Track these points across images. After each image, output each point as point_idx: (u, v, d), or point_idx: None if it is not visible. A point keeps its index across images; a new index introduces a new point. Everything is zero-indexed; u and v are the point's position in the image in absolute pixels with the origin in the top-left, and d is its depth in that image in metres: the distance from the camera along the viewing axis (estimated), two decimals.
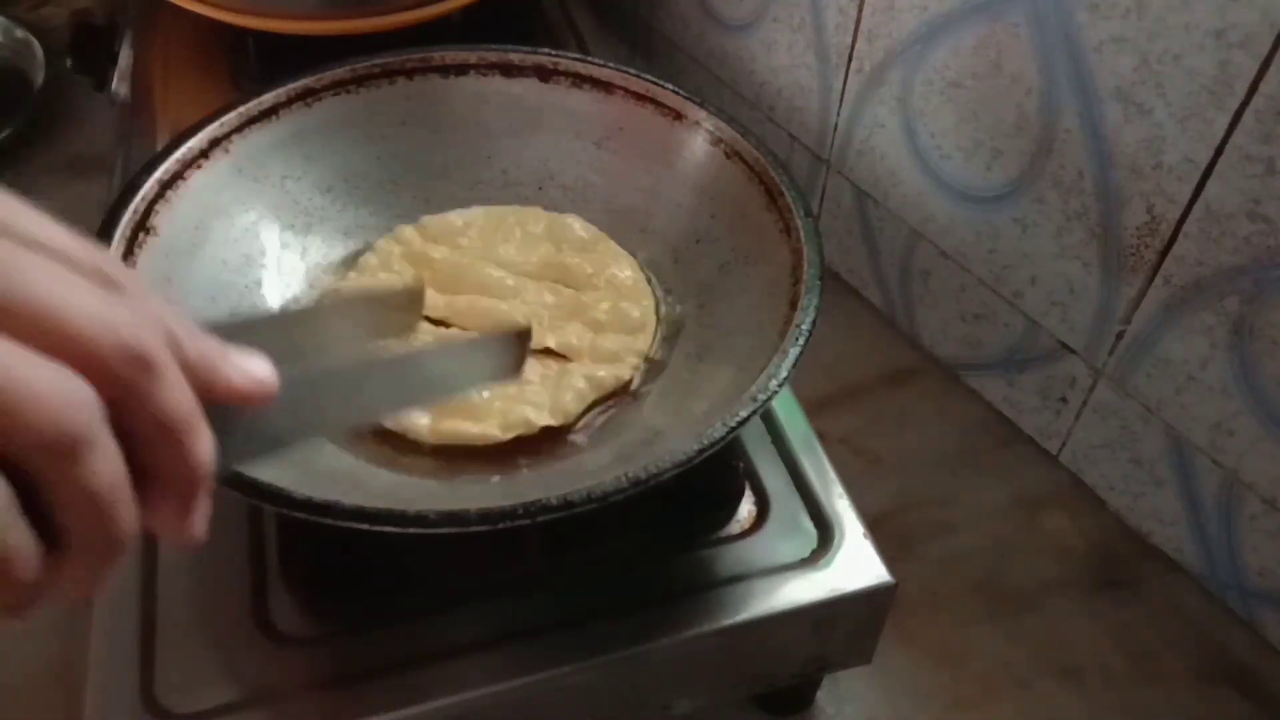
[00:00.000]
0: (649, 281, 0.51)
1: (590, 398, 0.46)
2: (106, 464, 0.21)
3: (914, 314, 0.67)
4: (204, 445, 0.23)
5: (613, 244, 0.51)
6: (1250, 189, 0.46)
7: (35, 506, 0.21)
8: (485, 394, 0.45)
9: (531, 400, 0.45)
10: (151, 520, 0.23)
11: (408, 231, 0.51)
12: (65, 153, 0.77)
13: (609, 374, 0.46)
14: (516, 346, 0.38)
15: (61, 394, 0.20)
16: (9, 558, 0.20)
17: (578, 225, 0.52)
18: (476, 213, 0.53)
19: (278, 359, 0.27)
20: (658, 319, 0.49)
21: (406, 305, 0.40)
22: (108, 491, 0.21)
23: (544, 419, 0.44)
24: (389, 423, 0.44)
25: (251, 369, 0.25)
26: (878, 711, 0.51)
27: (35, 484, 0.21)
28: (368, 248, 0.51)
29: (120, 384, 0.21)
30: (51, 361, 0.20)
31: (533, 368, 0.46)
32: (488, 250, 0.51)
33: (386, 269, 0.50)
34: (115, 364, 0.21)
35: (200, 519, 0.24)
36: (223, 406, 0.25)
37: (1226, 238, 0.47)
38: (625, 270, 0.50)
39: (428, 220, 0.52)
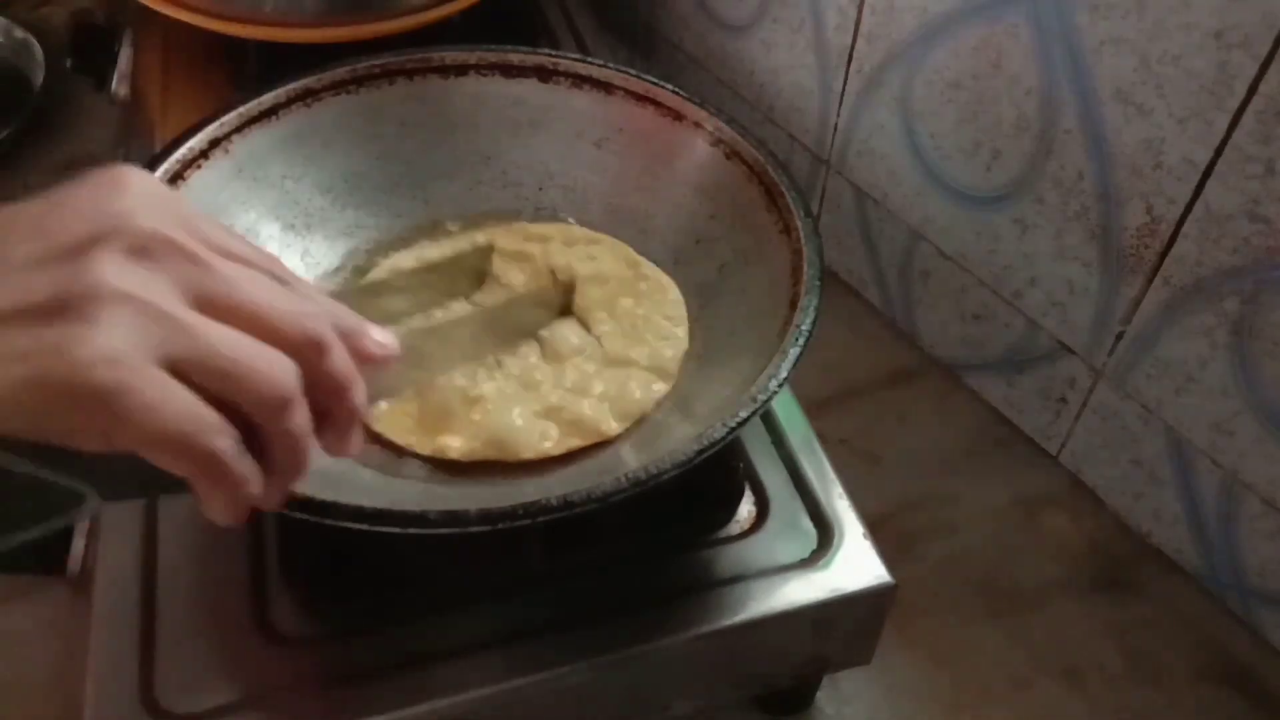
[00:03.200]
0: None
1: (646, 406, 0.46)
2: (302, 415, 0.30)
3: (914, 314, 0.67)
4: (360, 393, 0.32)
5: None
6: (1250, 190, 0.46)
7: (251, 444, 0.29)
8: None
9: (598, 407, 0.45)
10: (322, 441, 0.31)
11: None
12: (65, 153, 0.77)
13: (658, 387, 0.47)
14: (559, 294, 0.48)
15: (277, 368, 0.29)
16: (242, 481, 0.28)
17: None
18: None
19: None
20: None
21: (477, 264, 0.49)
22: (302, 434, 0.30)
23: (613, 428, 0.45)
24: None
25: (381, 338, 0.33)
26: (878, 711, 0.51)
27: (253, 428, 0.29)
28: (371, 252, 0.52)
29: (307, 359, 0.30)
30: (266, 345, 0.29)
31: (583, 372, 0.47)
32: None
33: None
34: (304, 346, 0.30)
35: (357, 440, 0.33)
36: None
37: (1226, 238, 0.47)
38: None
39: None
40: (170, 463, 0.27)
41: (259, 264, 0.31)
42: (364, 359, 0.32)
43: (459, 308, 0.49)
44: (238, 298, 0.29)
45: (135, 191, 0.29)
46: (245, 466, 0.29)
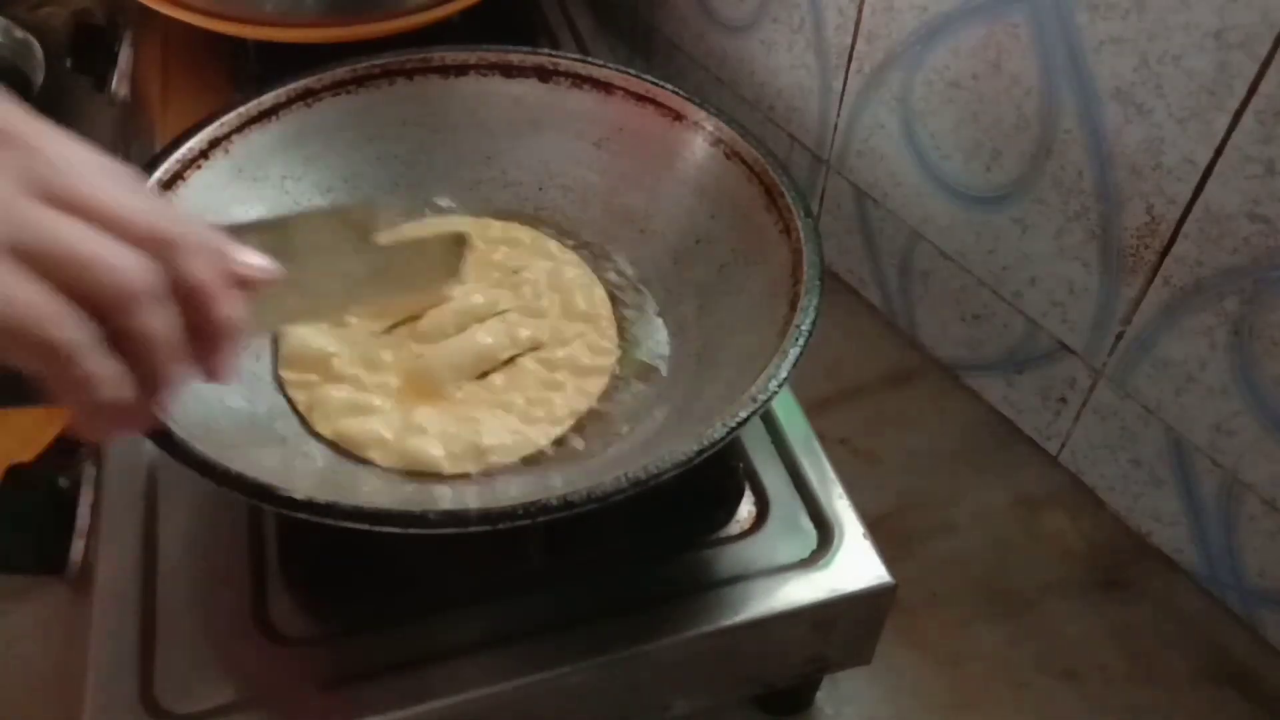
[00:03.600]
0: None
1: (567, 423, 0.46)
2: (158, 317, 0.29)
3: (914, 314, 0.67)
4: (229, 306, 0.31)
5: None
6: (1250, 190, 0.46)
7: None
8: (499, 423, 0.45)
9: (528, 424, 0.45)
10: (194, 360, 0.31)
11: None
12: None
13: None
14: (456, 250, 0.46)
15: (123, 263, 0.28)
16: (104, 379, 0.28)
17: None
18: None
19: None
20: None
21: (451, 250, 0.46)
22: (157, 337, 0.29)
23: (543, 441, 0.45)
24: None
25: (254, 260, 0.33)
26: (878, 712, 0.51)
27: (111, 331, 0.28)
28: None
29: (162, 259, 0.29)
30: (115, 239, 0.28)
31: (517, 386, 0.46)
32: None
33: None
34: (158, 245, 0.28)
35: (228, 364, 0.32)
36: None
37: (1226, 238, 0.47)
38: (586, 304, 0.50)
39: None
40: (15, 354, 0.26)
41: (117, 169, 0.30)
42: (240, 281, 0.32)
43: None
44: (85, 191, 0.28)
45: None
46: (99, 365, 0.28)
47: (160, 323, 0.29)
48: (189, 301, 0.30)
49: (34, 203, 0.27)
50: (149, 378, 0.29)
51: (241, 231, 0.35)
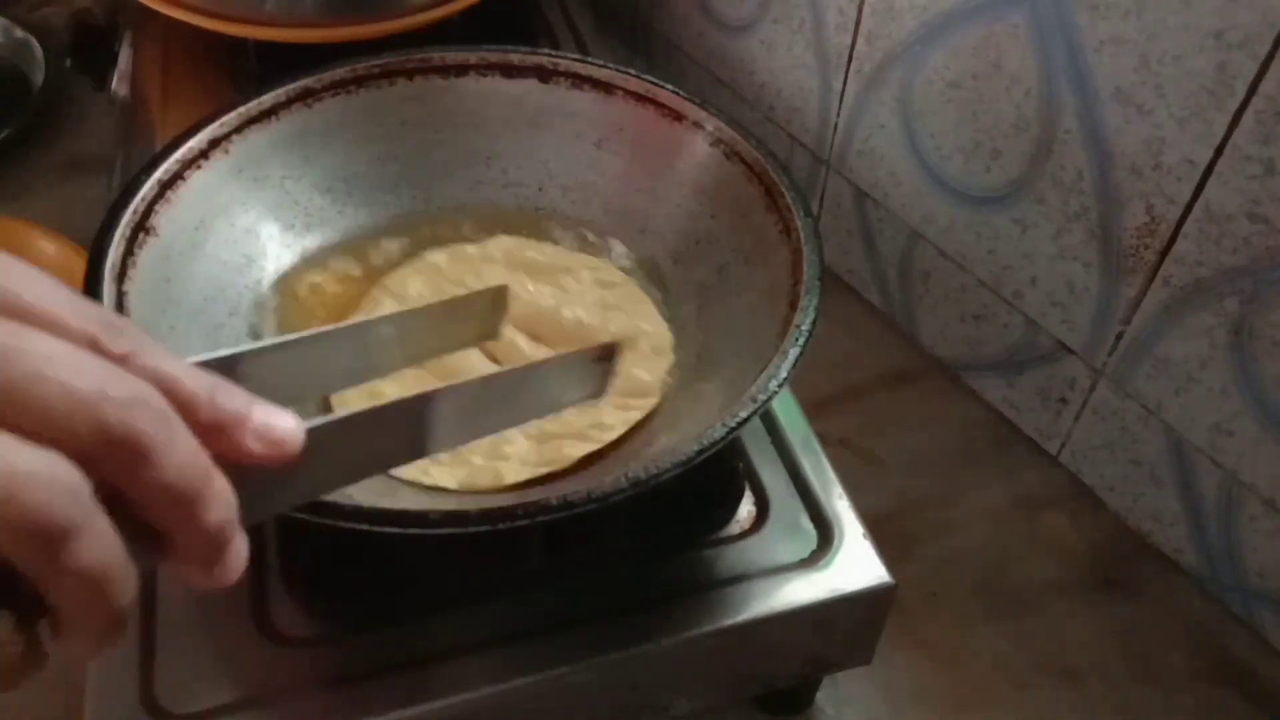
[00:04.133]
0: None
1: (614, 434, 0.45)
2: (95, 548, 0.21)
3: (914, 315, 0.67)
4: (218, 510, 0.23)
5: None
6: (1250, 190, 0.46)
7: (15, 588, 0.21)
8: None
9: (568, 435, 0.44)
10: (180, 574, 0.24)
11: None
12: (65, 153, 0.77)
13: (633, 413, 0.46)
14: (604, 365, 0.36)
15: (42, 484, 0.20)
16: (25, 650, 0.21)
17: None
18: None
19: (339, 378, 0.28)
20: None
21: (490, 308, 0.39)
22: (98, 572, 0.21)
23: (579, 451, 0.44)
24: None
25: (274, 426, 0.24)
26: (878, 712, 0.51)
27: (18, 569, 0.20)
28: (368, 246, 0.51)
29: (107, 466, 0.21)
30: (37, 447, 0.20)
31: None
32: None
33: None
34: (97, 447, 0.21)
35: (229, 568, 0.24)
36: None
37: (1226, 238, 0.47)
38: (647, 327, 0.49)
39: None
40: None
41: (68, 322, 0.22)
42: (239, 460, 0.24)
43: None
44: (9, 370, 0.20)
45: None
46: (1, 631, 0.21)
47: (97, 555, 0.21)
48: (162, 508, 0.22)
49: None
50: (83, 622, 0.22)
51: (294, 347, 0.28)
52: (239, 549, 0.24)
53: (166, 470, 0.22)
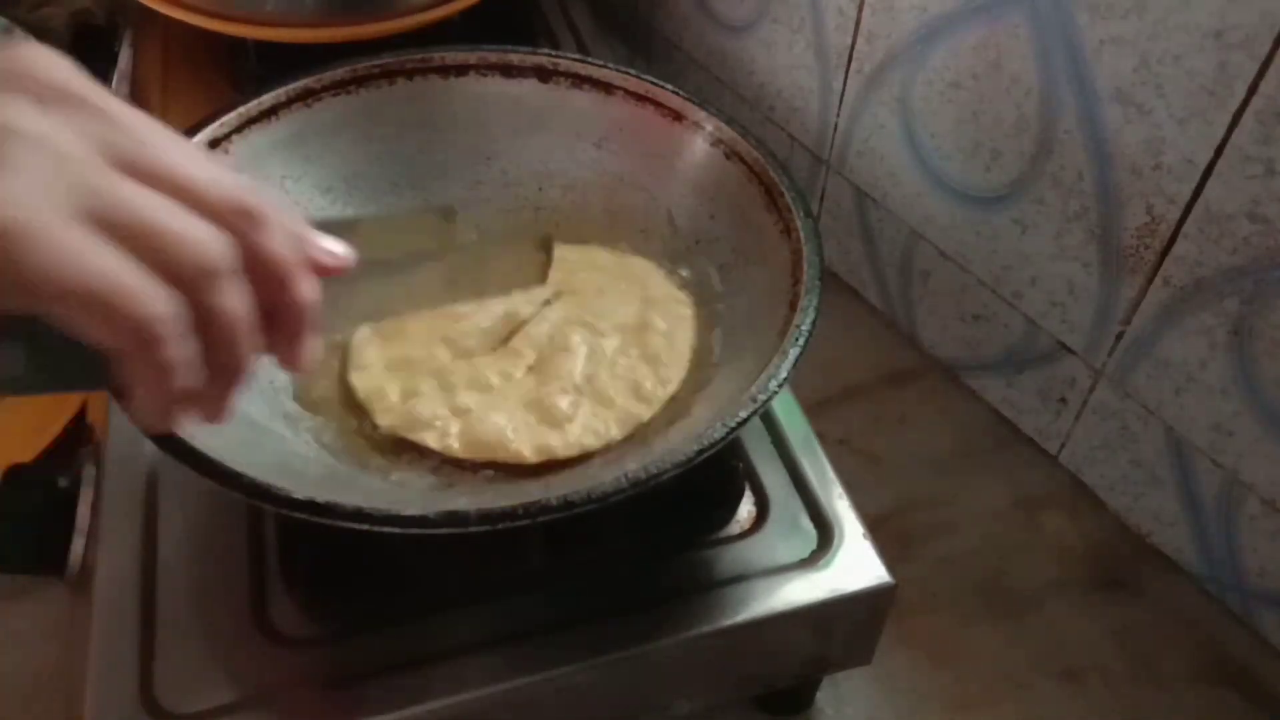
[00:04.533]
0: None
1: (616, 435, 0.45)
2: (238, 296, 0.27)
3: (914, 314, 0.67)
4: (310, 287, 0.29)
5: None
6: (1250, 190, 0.46)
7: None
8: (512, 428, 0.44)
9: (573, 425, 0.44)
10: (271, 348, 0.29)
11: None
12: None
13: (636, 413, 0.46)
14: (541, 255, 0.46)
15: (204, 236, 0.26)
16: (181, 364, 0.25)
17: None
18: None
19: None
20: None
21: (440, 224, 0.45)
22: (239, 317, 0.27)
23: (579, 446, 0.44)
24: (433, 442, 0.44)
25: (333, 246, 0.31)
26: (878, 712, 0.51)
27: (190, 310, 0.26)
28: None
29: (240, 232, 0.27)
30: (193, 213, 0.26)
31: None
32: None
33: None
34: (235, 216, 0.27)
35: (309, 351, 0.30)
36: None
37: (1226, 238, 0.47)
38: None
39: None
40: (99, 327, 0.24)
41: (187, 145, 0.28)
42: (314, 269, 0.29)
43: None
44: (160, 158, 0.26)
45: (35, 52, 0.26)
46: (186, 347, 0.25)
47: (241, 302, 0.27)
48: (267, 280, 0.28)
49: (111, 170, 0.25)
50: (226, 363, 0.27)
51: (316, 225, 0.33)
52: (316, 343, 0.30)
53: (277, 237, 0.28)
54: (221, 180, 0.27)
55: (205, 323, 0.26)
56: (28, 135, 0.24)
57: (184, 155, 0.27)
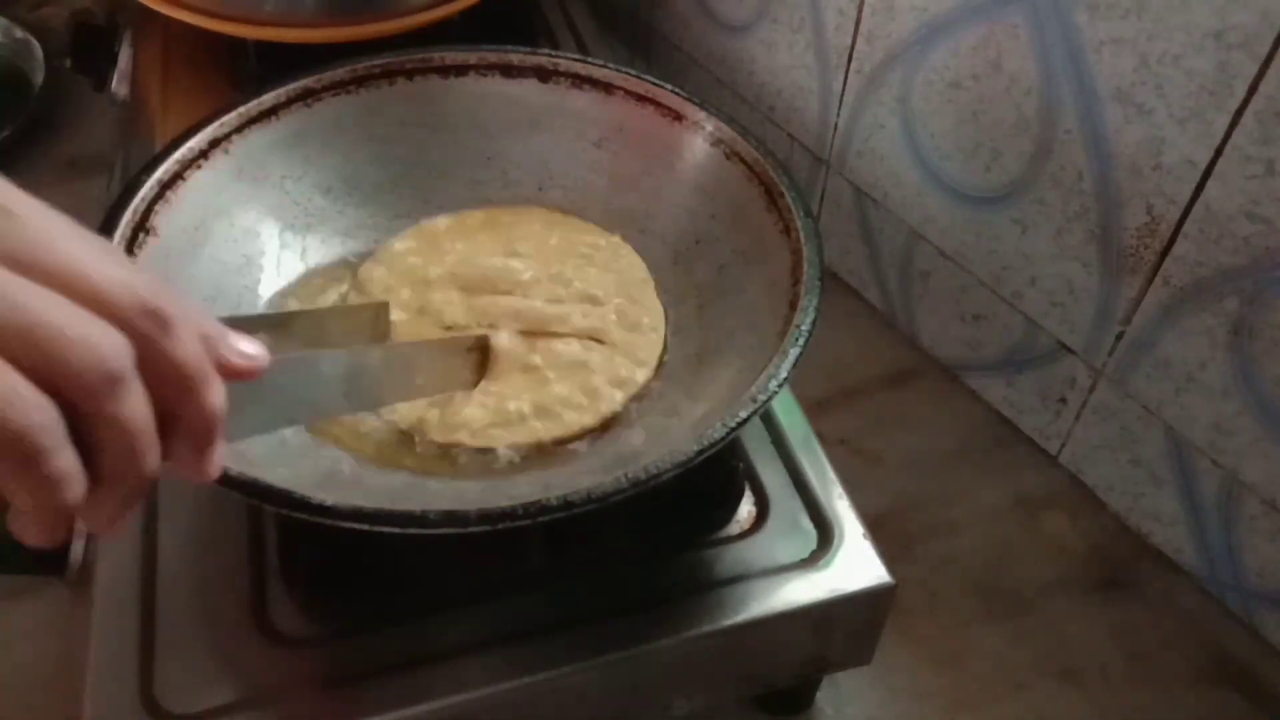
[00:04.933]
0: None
1: (620, 400, 0.46)
2: (138, 404, 0.24)
3: (914, 315, 0.67)
4: (217, 394, 0.27)
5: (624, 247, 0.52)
6: (1250, 190, 0.46)
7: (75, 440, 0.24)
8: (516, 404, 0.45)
9: (571, 404, 0.45)
10: (172, 461, 0.26)
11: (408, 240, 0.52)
12: (65, 153, 0.77)
13: (635, 374, 0.46)
14: (480, 355, 0.45)
15: (101, 339, 0.24)
16: (61, 478, 0.23)
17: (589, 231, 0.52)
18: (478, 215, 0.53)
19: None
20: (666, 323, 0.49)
21: (374, 319, 0.46)
22: (139, 427, 0.25)
23: (585, 420, 0.45)
24: (439, 437, 0.44)
25: (247, 347, 0.28)
26: (878, 712, 0.51)
27: (75, 419, 0.23)
28: (367, 255, 0.52)
29: (143, 335, 0.24)
30: (90, 313, 0.24)
31: (562, 364, 0.46)
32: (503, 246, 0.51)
33: (392, 277, 0.50)
34: (138, 318, 0.24)
35: (215, 462, 0.28)
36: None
37: (1226, 238, 0.47)
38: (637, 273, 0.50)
39: (426, 223, 0.52)
40: None
41: (89, 235, 0.25)
42: (225, 372, 0.27)
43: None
44: (55, 255, 0.24)
45: None
46: (65, 459, 0.23)
47: (139, 410, 0.25)
48: (171, 386, 0.25)
49: None
50: (123, 474, 0.25)
51: (241, 324, 0.31)
52: (221, 450, 0.28)
53: (184, 343, 0.25)
54: (128, 280, 0.25)
55: (99, 431, 0.24)
56: None
57: (88, 252, 0.24)
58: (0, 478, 0.23)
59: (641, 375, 0.47)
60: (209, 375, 0.26)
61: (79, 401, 0.23)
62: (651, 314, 0.49)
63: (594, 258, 0.51)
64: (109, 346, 0.24)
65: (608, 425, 0.45)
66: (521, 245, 0.51)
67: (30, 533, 0.25)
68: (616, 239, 0.52)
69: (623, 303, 0.49)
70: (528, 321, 0.47)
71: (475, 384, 0.45)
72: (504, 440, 0.44)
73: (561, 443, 0.44)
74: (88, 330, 0.23)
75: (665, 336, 0.49)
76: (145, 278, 0.25)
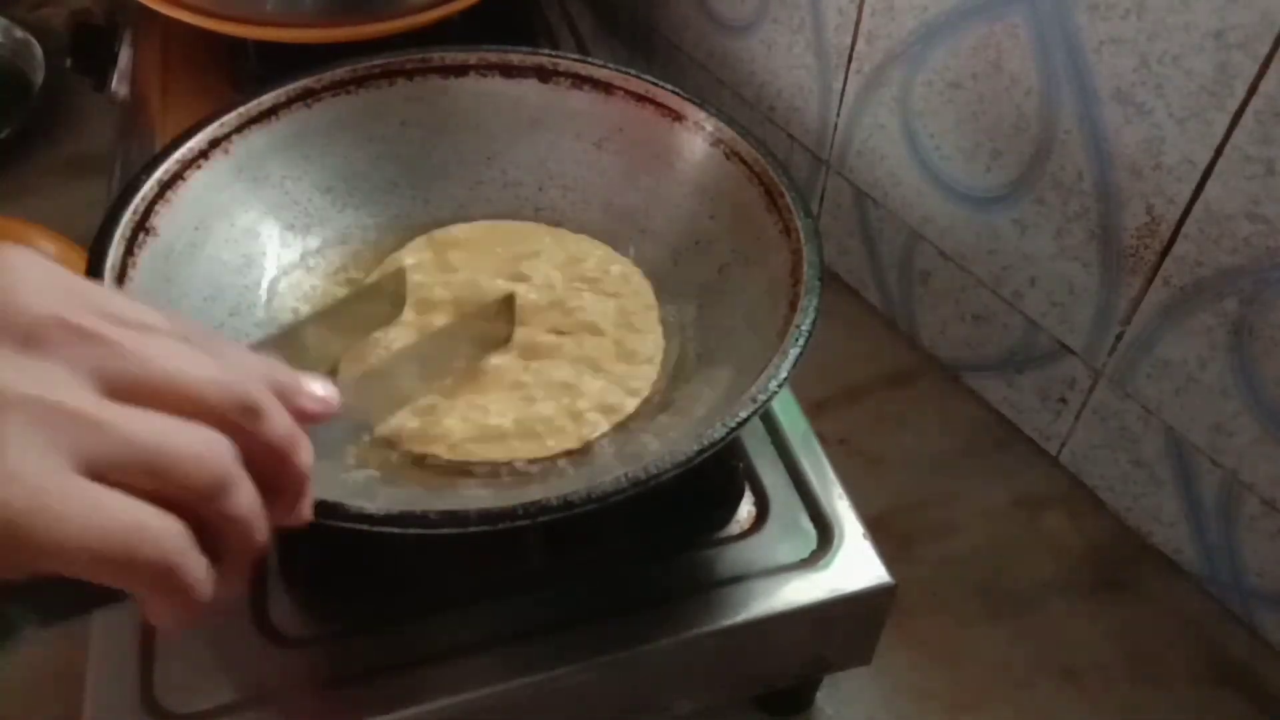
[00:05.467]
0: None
1: (604, 426, 0.45)
2: (247, 494, 0.26)
3: (914, 315, 0.67)
4: (306, 453, 0.29)
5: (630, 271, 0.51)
6: (1250, 190, 0.46)
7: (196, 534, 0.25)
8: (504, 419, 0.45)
9: (553, 426, 0.45)
10: (274, 518, 0.28)
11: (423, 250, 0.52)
12: (65, 153, 0.77)
13: (624, 402, 0.46)
14: (506, 313, 0.47)
15: (206, 449, 0.25)
16: (194, 584, 0.25)
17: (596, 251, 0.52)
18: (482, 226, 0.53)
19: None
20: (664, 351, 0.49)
21: (394, 289, 0.48)
22: (251, 514, 0.26)
23: (566, 444, 0.44)
24: (416, 446, 0.44)
25: (320, 390, 0.30)
26: (878, 712, 0.51)
27: (195, 519, 0.25)
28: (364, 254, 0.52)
29: (240, 429, 0.26)
30: (192, 423, 0.25)
31: (547, 389, 0.46)
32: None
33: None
34: (235, 415, 0.26)
35: (309, 505, 0.30)
36: None
37: (1226, 238, 0.47)
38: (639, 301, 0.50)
39: (439, 234, 0.52)
40: (116, 579, 0.24)
41: (166, 328, 0.27)
42: (303, 418, 0.29)
43: (396, 335, 0.48)
44: (151, 373, 0.25)
45: (12, 269, 0.25)
46: (198, 566, 0.25)
47: (249, 499, 0.26)
48: (270, 462, 0.27)
49: (104, 402, 0.24)
50: (237, 558, 0.27)
51: (286, 342, 0.34)
52: (312, 494, 0.30)
53: (275, 423, 0.27)
54: (221, 379, 0.26)
55: (216, 525, 0.26)
56: (12, 397, 0.23)
57: (181, 358, 0.26)
58: (139, 589, 0.24)
59: (631, 404, 0.46)
60: (298, 441, 0.28)
61: (197, 506, 0.25)
62: (651, 345, 0.48)
63: (601, 283, 0.50)
64: (215, 454, 0.25)
65: (587, 449, 0.45)
66: (528, 265, 0.50)
67: (171, 625, 0.26)
68: (629, 263, 0.51)
69: (622, 333, 0.48)
70: (524, 349, 0.47)
71: (508, 338, 0.47)
72: (479, 455, 0.43)
73: (535, 462, 0.44)
74: (193, 443, 0.25)
75: (661, 365, 0.48)
76: (234, 369, 0.27)
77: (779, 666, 0.47)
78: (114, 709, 0.40)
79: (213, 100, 0.51)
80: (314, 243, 0.51)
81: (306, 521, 0.30)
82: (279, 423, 0.28)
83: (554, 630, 0.42)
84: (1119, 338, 0.54)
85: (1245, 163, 0.45)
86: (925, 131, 0.60)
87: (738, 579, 0.44)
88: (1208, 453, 0.52)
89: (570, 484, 0.36)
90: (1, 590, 0.24)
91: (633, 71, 0.52)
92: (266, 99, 0.50)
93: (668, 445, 0.40)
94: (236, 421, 0.26)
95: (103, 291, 0.27)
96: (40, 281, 0.25)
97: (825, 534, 0.46)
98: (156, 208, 0.45)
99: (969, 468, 0.61)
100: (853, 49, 0.62)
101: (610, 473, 0.36)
